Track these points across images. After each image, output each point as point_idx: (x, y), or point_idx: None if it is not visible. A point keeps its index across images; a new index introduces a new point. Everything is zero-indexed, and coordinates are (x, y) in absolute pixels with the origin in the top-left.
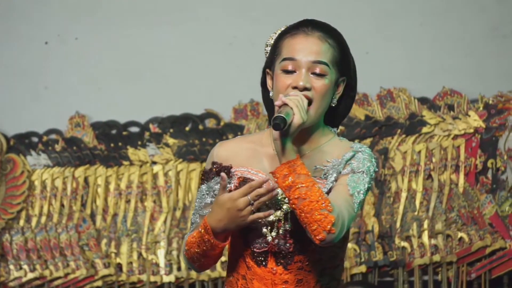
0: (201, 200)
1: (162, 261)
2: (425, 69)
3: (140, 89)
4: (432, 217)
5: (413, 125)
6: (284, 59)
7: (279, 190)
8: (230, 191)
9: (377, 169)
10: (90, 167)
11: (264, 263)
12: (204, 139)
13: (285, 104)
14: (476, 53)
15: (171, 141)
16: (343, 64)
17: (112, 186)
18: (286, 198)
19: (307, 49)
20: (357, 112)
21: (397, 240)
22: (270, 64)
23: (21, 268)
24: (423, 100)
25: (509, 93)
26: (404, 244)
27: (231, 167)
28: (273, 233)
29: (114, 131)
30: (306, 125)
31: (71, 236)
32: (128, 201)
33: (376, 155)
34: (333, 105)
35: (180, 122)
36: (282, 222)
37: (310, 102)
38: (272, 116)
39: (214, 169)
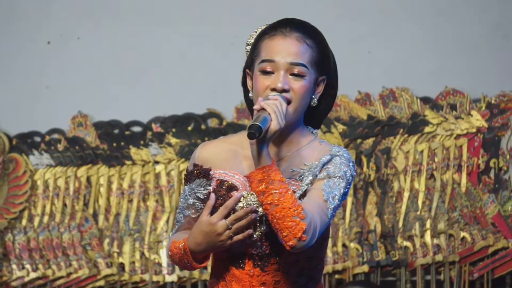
0: (184, 201)
1: (164, 261)
2: (428, 68)
3: (143, 89)
4: (434, 216)
5: (416, 125)
6: (263, 61)
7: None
8: (209, 193)
9: (354, 174)
10: (92, 166)
11: (242, 266)
12: (206, 139)
13: (264, 109)
14: (479, 53)
15: (173, 140)
16: (323, 64)
17: (114, 186)
18: None
19: (285, 51)
20: (360, 111)
21: (399, 240)
22: (250, 64)
23: (23, 268)
24: (425, 100)
25: None
26: (407, 243)
27: (210, 170)
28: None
29: (116, 131)
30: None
31: (73, 235)
32: (130, 201)
33: (379, 155)
34: (314, 104)
35: (183, 122)
36: (258, 224)
37: (289, 102)
38: (254, 116)
39: (195, 172)
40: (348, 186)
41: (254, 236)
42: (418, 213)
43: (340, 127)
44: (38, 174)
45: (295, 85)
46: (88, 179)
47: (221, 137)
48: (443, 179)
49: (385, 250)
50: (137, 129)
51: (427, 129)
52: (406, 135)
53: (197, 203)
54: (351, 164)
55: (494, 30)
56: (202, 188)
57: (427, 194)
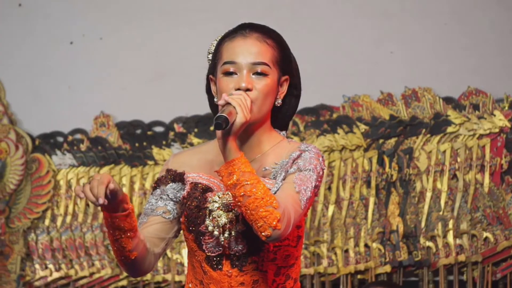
0: (151, 203)
1: (186, 261)
2: (450, 68)
3: (165, 89)
4: (457, 217)
5: (438, 125)
6: (225, 63)
7: (230, 193)
8: (184, 197)
9: (325, 167)
10: (115, 166)
11: (219, 267)
12: None
13: (228, 103)
14: (501, 52)
15: (195, 140)
16: (284, 63)
17: (137, 186)
18: None
19: (246, 51)
20: (382, 111)
21: (422, 240)
22: (212, 70)
23: (46, 268)
24: (448, 100)
25: None
26: (429, 244)
27: (184, 174)
28: (226, 235)
29: (138, 131)
30: (250, 124)
31: (96, 235)
32: None
33: (401, 155)
34: (278, 104)
35: (205, 122)
36: (234, 224)
37: (252, 102)
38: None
39: (169, 176)
40: (319, 179)
41: (223, 237)
42: (441, 213)
43: (362, 127)
44: (60, 174)
45: (259, 84)
46: None
47: (191, 147)
48: (466, 179)
49: (408, 250)
50: (159, 129)
51: (449, 129)
52: (428, 135)
53: (170, 204)
54: (320, 158)
55: None
56: (176, 191)
57: (449, 194)
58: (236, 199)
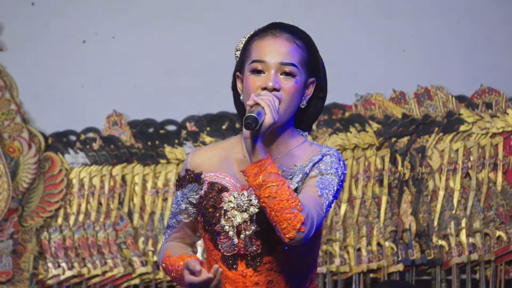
0: (176, 206)
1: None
2: (463, 67)
3: (177, 88)
4: (470, 215)
5: (451, 124)
6: (254, 61)
7: (245, 193)
8: (201, 197)
9: (345, 171)
10: (127, 165)
11: (234, 266)
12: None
13: (257, 104)
14: None
15: (208, 139)
16: (312, 65)
17: (149, 185)
18: (252, 201)
19: (275, 51)
20: (394, 110)
21: (434, 239)
22: (240, 67)
23: (59, 266)
24: (460, 98)
25: None
26: (442, 242)
27: (201, 174)
28: (241, 236)
29: (151, 130)
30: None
31: (108, 234)
32: (165, 199)
33: (414, 154)
34: (303, 106)
35: (217, 121)
36: (248, 224)
37: (279, 102)
38: (247, 111)
39: (187, 177)
40: (340, 183)
41: (237, 237)
42: (454, 212)
43: (375, 125)
44: (73, 173)
45: (286, 85)
46: (123, 178)
47: (212, 143)
48: (479, 178)
49: (420, 249)
50: (171, 128)
51: (462, 127)
52: (441, 134)
53: (189, 208)
54: (341, 162)
55: None
56: (194, 193)
57: (462, 193)
58: (261, 200)
